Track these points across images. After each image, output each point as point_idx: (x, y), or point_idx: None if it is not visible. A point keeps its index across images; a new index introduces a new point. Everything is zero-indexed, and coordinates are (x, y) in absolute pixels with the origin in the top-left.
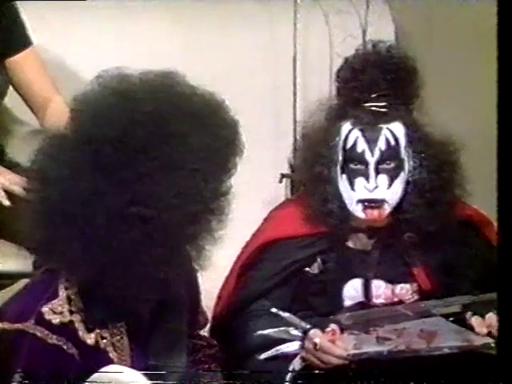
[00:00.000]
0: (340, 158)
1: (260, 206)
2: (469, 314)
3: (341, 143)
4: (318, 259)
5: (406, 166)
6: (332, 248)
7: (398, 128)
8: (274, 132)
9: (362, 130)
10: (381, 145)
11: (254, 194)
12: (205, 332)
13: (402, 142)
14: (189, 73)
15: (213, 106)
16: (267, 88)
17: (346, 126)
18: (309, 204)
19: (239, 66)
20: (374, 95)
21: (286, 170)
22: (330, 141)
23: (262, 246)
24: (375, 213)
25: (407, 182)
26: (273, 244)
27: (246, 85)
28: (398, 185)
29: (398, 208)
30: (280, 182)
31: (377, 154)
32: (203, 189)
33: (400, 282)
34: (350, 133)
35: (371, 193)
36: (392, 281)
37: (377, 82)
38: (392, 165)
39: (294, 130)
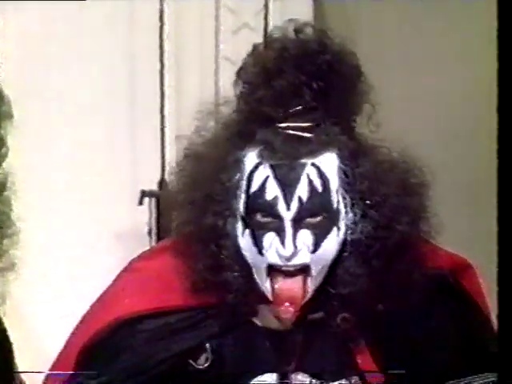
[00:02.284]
0: (241, 204)
1: (112, 239)
2: None
3: (243, 183)
4: (207, 346)
5: (342, 220)
6: (229, 328)
7: (329, 162)
8: (132, 127)
9: (273, 168)
10: (301, 191)
11: (104, 222)
12: None
13: (335, 183)
14: None
15: None
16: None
17: (250, 158)
18: (193, 265)
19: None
20: (293, 110)
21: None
22: (226, 177)
23: (118, 323)
24: (289, 304)
25: (344, 242)
26: (136, 321)
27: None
28: (329, 247)
29: (327, 277)
30: (140, 203)
31: (295, 205)
32: None
33: (335, 379)
34: (257, 169)
35: (287, 261)
36: (322, 376)
37: (299, 89)
38: (319, 218)
39: (162, 122)
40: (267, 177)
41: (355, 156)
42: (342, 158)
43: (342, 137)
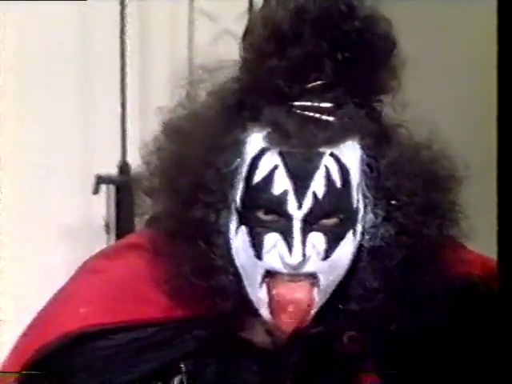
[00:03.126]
0: (239, 197)
1: (61, 236)
2: None
3: (243, 171)
4: (182, 367)
5: (360, 222)
6: (210, 345)
7: (351, 152)
8: (86, 96)
9: (283, 156)
10: (317, 187)
11: (51, 215)
12: None
13: (356, 178)
14: None
15: None
16: None
17: (255, 141)
18: (177, 267)
19: None
20: (311, 85)
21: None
22: (222, 162)
23: (71, 338)
24: (293, 317)
25: (359, 248)
26: (94, 336)
27: None
28: (343, 254)
29: (337, 290)
30: (95, 192)
31: (308, 203)
32: None
33: None
34: (262, 156)
35: (293, 270)
36: None
37: (319, 60)
38: (335, 219)
39: (122, 91)
40: (275, 166)
41: (381, 145)
42: (365, 147)
43: (367, 121)
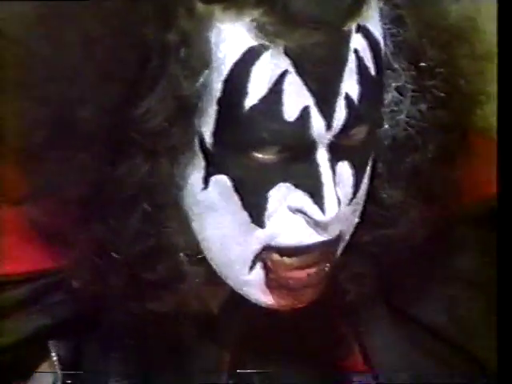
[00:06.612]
0: (210, 129)
1: None
2: None
3: (218, 88)
4: (54, 357)
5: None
6: (95, 316)
7: (375, 13)
8: None
9: (291, 55)
10: (349, 87)
11: None
12: None
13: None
14: None
15: None
16: None
17: (233, 36)
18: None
19: None
20: None
21: None
22: (177, 55)
23: None
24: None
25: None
26: None
27: None
28: (365, 187)
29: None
30: None
31: (341, 116)
32: None
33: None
34: (256, 62)
35: (323, 231)
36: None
37: None
38: (364, 128)
39: None
40: (284, 73)
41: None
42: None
43: None
